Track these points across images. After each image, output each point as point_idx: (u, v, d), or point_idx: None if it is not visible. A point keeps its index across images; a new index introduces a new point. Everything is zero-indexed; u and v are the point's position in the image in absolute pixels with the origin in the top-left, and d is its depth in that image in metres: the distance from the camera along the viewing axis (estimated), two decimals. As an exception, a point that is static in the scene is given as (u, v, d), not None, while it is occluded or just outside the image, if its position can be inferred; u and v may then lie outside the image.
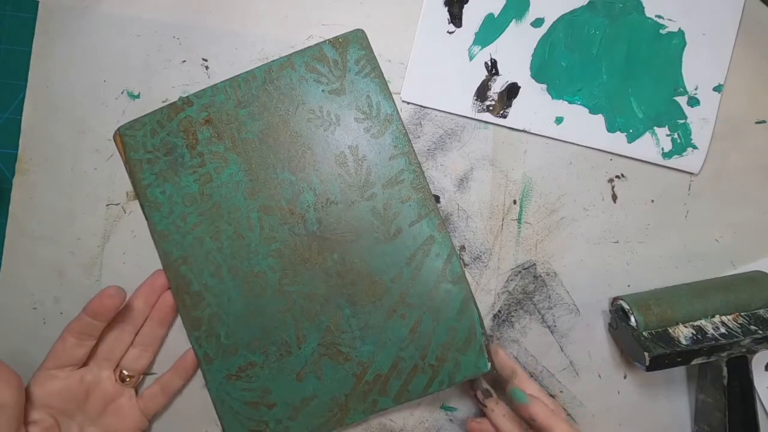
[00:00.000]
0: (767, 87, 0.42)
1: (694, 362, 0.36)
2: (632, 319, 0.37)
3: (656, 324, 0.37)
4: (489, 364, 0.37)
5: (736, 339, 0.35)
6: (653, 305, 0.37)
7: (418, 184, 0.39)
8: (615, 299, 0.39)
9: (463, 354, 0.38)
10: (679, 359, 0.35)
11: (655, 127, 0.41)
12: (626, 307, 0.38)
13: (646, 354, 0.35)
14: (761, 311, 0.37)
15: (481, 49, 0.41)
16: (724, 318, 0.37)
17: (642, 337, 0.36)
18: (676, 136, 0.41)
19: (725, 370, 0.36)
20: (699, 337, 0.36)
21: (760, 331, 0.35)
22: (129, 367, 0.38)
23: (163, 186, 0.39)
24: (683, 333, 0.36)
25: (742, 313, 0.37)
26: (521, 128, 0.41)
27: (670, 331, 0.36)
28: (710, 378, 0.37)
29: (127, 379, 0.38)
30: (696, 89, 0.41)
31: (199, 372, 0.39)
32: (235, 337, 0.38)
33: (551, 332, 0.40)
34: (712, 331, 0.36)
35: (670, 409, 0.40)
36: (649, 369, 0.35)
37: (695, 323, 0.37)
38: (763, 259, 0.41)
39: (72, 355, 0.35)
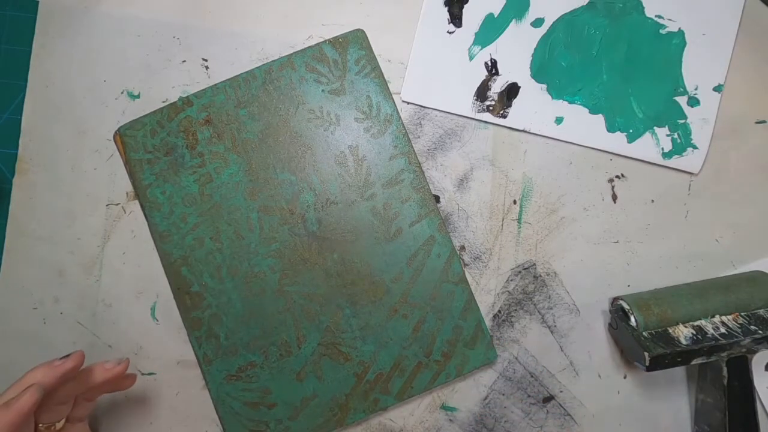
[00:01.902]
0: (767, 87, 0.42)
1: (694, 362, 0.35)
2: (632, 319, 0.37)
3: (656, 324, 0.37)
4: (497, 354, 0.39)
5: (736, 339, 0.35)
6: (653, 305, 0.37)
7: (418, 184, 0.39)
8: (615, 299, 0.39)
9: (471, 349, 0.38)
10: (679, 359, 0.35)
11: (655, 127, 0.41)
12: (626, 307, 0.38)
13: (646, 354, 0.35)
14: (761, 311, 0.36)
15: (481, 49, 0.41)
16: (724, 318, 0.37)
17: (642, 337, 0.36)
18: (676, 136, 0.41)
19: (725, 370, 0.36)
20: (699, 337, 0.36)
21: (760, 331, 0.35)
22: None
23: (163, 186, 0.39)
24: (683, 333, 0.36)
25: (742, 313, 0.37)
26: (521, 128, 0.41)
27: (670, 331, 0.36)
28: (710, 378, 0.37)
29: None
30: (696, 89, 0.41)
31: (199, 372, 0.39)
32: (235, 337, 0.38)
33: (551, 332, 0.40)
34: (712, 330, 0.36)
35: (670, 409, 0.40)
36: (649, 369, 0.35)
37: (695, 323, 0.37)
38: (763, 259, 0.41)
39: None
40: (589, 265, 0.41)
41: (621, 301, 0.38)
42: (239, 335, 0.38)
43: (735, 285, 0.38)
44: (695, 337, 0.36)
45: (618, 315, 0.38)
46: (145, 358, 0.40)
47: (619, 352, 0.40)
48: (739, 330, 0.36)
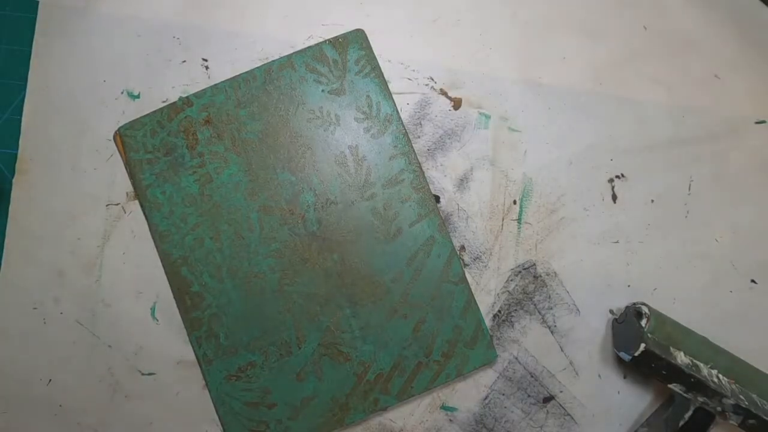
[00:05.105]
0: (767, 87, 0.42)
1: (672, 386, 0.36)
2: (644, 320, 0.37)
3: (663, 337, 0.37)
4: (497, 354, 0.39)
5: (722, 393, 0.35)
6: (669, 324, 0.37)
7: (418, 184, 0.39)
8: (636, 302, 0.39)
9: (471, 349, 0.38)
10: (664, 372, 0.35)
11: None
12: (644, 310, 0.37)
13: (642, 344, 0.35)
14: (755, 395, 0.36)
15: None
16: (721, 375, 0.36)
17: (645, 334, 0.36)
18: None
19: (690, 412, 0.36)
20: (693, 370, 0.36)
21: (746, 402, 0.35)
22: None
23: (163, 186, 0.39)
24: (681, 358, 0.36)
25: (739, 385, 0.36)
26: None
27: (672, 349, 0.36)
28: (667, 416, 0.37)
29: None
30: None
31: (199, 372, 0.39)
32: (235, 337, 0.38)
33: (551, 332, 0.40)
34: (706, 373, 0.36)
35: (670, 409, 0.40)
36: (635, 361, 0.35)
37: (695, 360, 0.37)
38: (764, 260, 0.41)
39: None
40: (589, 265, 0.41)
41: (643, 306, 0.38)
42: (239, 335, 0.38)
43: (748, 366, 0.37)
44: (689, 367, 0.36)
45: (630, 311, 0.38)
46: (145, 358, 0.40)
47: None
48: (728, 391, 0.35)
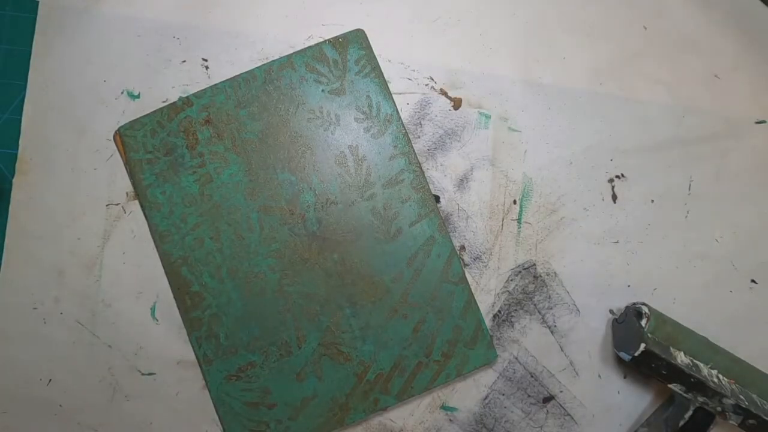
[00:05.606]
0: (767, 87, 0.42)
1: (672, 386, 0.36)
2: (644, 320, 0.37)
3: (663, 337, 0.37)
4: (497, 354, 0.39)
5: (722, 393, 0.35)
6: (669, 324, 0.37)
7: (418, 184, 0.39)
8: (636, 303, 0.39)
9: (471, 349, 0.38)
10: (664, 372, 0.35)
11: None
12: (645, 310, 0.37)
13: (642, 344, 0.35)
14: (755, 395, 0.36)
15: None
16: (721, 375, 0.36)
17: (646, 334, 0.36)
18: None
19: (690, 412, 0.36)
20: (693, 370, 0.36)
21: (746, 402, 0.35)
22: None
23: (163, 186, 0.39)
24: (681, 358, 0.36)
25: (739, 384, 0.37)
26: None
27: (672, 350, 0.36)
28: (668, 416, 0.37)
29: None
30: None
31: (199, 372, 0.39)
32: (235, 337, 0.38)
33: (551, 332, 0.41)
34: (706, 373, 0.36)
35: (670, 409, 0.40)
36: (635, 361, 0.35)
37: (696, 360, 0.37)
38: (764, 260, 0.41)
39: None
40: (589, 265, 0.41)
41: (643, 306, 0.38)
42: (239, 335, 0.38)
43: (748, 366, 0.37)
44: (689, 368, 0.36)
45: (630, 311, 0.38)
46: (145, 358, 0.40)
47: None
48: (728, 391, 0.35)
